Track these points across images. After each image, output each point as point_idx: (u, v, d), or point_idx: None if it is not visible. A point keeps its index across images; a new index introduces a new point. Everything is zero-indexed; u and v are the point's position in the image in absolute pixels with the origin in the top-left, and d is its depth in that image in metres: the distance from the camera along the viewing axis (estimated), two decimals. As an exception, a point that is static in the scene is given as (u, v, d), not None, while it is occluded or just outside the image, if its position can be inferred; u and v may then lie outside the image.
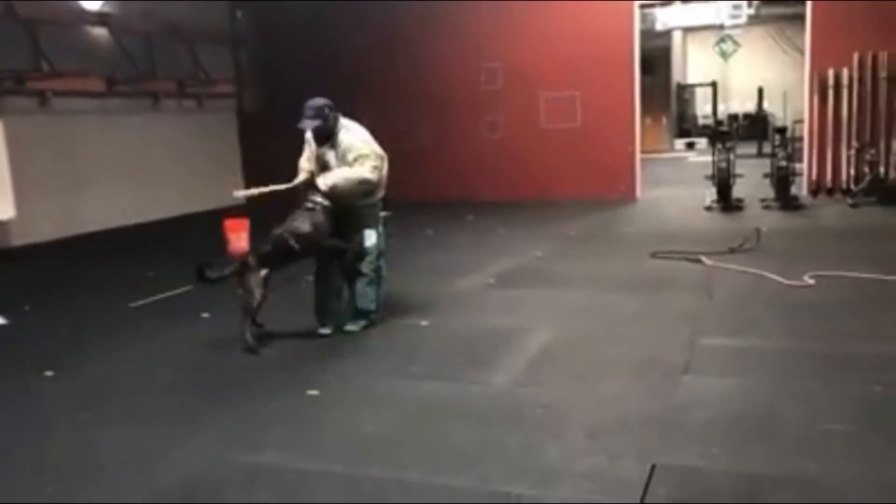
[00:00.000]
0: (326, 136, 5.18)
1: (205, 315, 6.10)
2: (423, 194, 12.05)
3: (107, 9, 11.02)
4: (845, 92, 10.79)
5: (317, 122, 5.12)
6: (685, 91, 23.30)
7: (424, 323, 5.31)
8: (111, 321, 6.15)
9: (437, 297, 6.30)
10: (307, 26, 12.90)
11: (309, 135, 5.30)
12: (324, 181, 5.09)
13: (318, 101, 5.14)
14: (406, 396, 4.19)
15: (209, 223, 9.61)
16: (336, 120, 5.21)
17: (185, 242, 9.91)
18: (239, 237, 8.79)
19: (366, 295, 5.33)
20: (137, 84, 11.55)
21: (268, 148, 13.57)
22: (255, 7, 13.49)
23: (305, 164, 5.42)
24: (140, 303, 6.60)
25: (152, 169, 11.78)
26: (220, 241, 8.74)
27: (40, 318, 6.28)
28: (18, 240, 9.55)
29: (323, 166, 5.26)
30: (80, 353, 5.29)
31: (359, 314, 5.35)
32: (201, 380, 4.62)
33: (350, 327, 5.30)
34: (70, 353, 5.24)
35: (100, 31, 11.13)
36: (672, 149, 20.86)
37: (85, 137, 10.81)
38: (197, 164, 12.65)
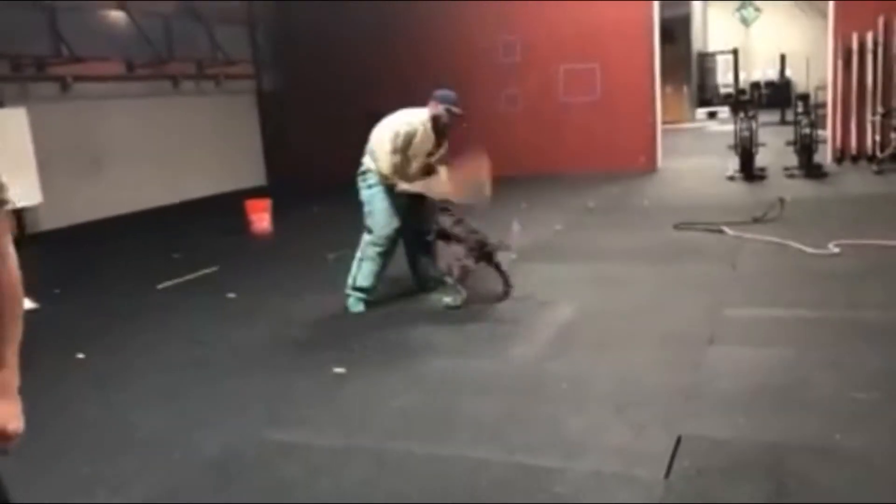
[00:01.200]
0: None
1: (231, 295, 6.17)
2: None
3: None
4: (870, 56, 10.59)
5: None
6: (706, 60, 22.96)
7: (447, 300, 5.34)
8: (139, 302, 6.25)
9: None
10: (324, 4, 12.84)
11: (427, 122, 5.46)
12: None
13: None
14: (431, 372, 4.23)
15: (231, 204, 9.69)
16: None
17: (207, 224, 10.01)
18: (261, 218, 8.89)
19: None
20: (157, 67, 11.60)
21: (287, 128, 13.68)
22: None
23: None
24: (167, 284, 6.69)
25: (173, 152, 11.86)
26: (243, 222, 8.84)
27: (70, 301, 6.39)
28: (45, 224, 9.70)
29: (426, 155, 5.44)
30: (110, 334, 5.39)
31: (441, 279, 5.57)
32: (229, 359, 4.69)
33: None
34: (101, 335, 5.34)
35: (118, 15, 11.17)
36: (693, 118, 20.61)
37: (106, 122, 10.90)
38: (217, 146, 12.72)
